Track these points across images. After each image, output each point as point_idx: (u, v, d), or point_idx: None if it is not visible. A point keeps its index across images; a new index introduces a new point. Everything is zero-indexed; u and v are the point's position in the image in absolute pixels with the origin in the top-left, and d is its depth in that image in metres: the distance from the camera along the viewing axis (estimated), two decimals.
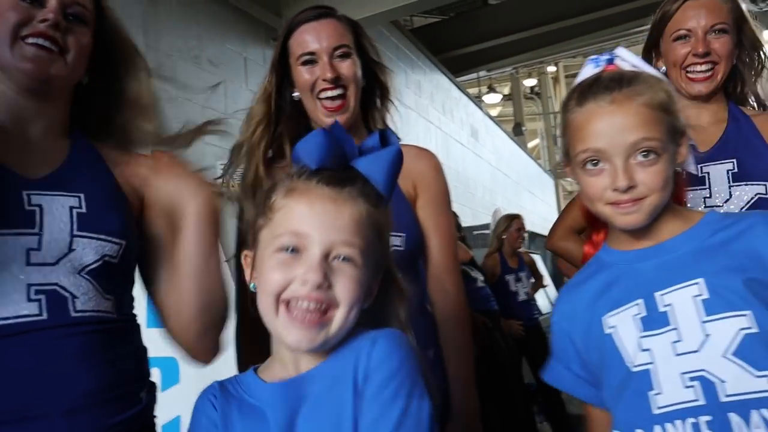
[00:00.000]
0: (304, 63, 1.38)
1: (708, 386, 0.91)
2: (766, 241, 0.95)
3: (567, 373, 1.10)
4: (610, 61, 1.05)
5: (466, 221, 6.82)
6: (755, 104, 1.54)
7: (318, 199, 0.83)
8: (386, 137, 0.92)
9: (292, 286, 0.82)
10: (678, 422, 0.92)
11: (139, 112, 1.12)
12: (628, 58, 1.05)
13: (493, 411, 3.31)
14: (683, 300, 0.96)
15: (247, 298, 0.90)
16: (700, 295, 0.95)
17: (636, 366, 0.98)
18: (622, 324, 1.00)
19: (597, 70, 1.04)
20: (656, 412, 0.94)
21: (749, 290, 0.92)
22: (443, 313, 1.39)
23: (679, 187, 1.07)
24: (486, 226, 6.92)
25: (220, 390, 0.89)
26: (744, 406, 0.89)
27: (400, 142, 1.51)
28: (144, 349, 1.10)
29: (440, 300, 1.40)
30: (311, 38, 1.37)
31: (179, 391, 1.84)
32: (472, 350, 1.40)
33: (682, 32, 1.46)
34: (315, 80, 1.37)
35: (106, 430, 0.95)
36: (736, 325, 0.92)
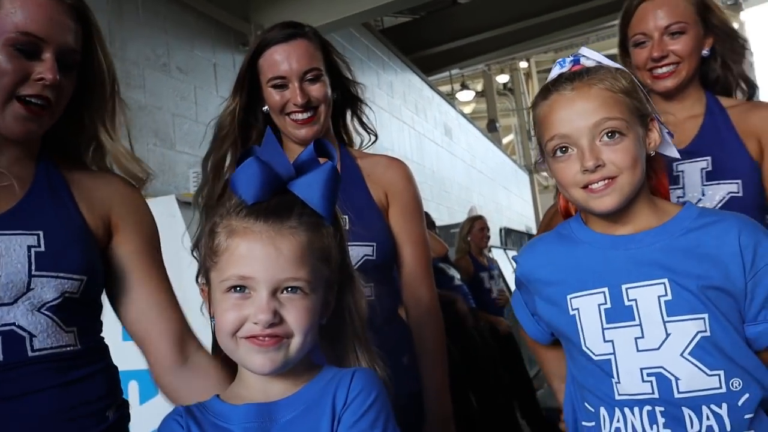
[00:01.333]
0: (275, 86, 1.39)
1: (664, 382, 0.98)
2: (733, 252, 0.97)
3: (525, 309, 1.18)
4: (576, 62, 1.07)
5: (442, 220, 6.86)
6: (746, 88, 1.53)
7: (257, 240, 0.86)
8: (322, 147, 0.94)
9: (245, 325, 0.85)
10: (636, 409, 0.99)
11: (106, 137, 1.11)
12: (592, 56, 1.07)
13: (473, 407, 3.34)
14: (648, 297, 0.99)
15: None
16: (664, 295, 0.98)
17: (598, 355, 1.03)
18: (586, 310, 1.04)
19: (563, 71, 1.07)
20: (617, 397, 1.01)
21: (707, 296, 0.97)
22: (417, 320, 1.42)
23: (658, 176, 1.10)
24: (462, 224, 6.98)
25: (186, 413, 0.91)
26: (695, 402, 0.96)
27: (369, 145, 1.54)
28: (113, 368, 1.11)
29: (414, 307, 1.42)
30: (281, 60, 1.38)
31: (157, 405, 1.83)
32: (446, 356, 1.42)
33: (639, 38, 1.47)
34: (285, 102, 1.39)
35: None
36: (694, 327, 0.97)
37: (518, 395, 4.21)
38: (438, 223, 5.63)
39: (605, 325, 1.02)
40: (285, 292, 0.86)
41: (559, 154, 1.03)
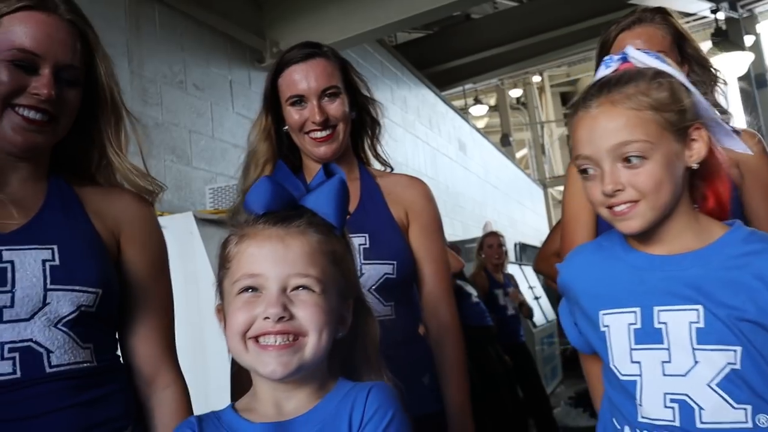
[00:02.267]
0: (293, 104, 1.40)
1: (687, 410, 0.95)
2: None
3: (569, 317, 1.16)
4: (624, 59, 1.03)
5: (456, 235, 6.84)
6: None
7: (266, 238, 0.86)
8: (331, 171, 0.95)
9: (256, 323, 0.85)
10: None
11: (113, 152, 1.12)
12: (638, 56, 1.03)
13: (488, 425, 3.31)
14: (679, 322, 0.97)
15: None
16: (696, 321, 0.95)
17: (624, 375, 1.01)
18: (616, 328, 1.02)
19: (609, 71, 1.03)
20: (639, 419, 0.99)
21: (741, 329, 0.94)
22: (438, 339, 1.41)
23: (713, 185, 1.04)
24: (476, 240, 6.95)
25: (197, 425, 0.90)
26: None
27: (390, 171, 1.54)
28: (130, 389, 1.10)
29: (435, 328, 1.41)
30: (300, 79, 1.39)
31: None
32: (467, 376, 1.41)
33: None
34: (304, 121, 1.39)
35: None
36: (724, 359, 0.94)
37: (534, 413, 4.17)
38: (452, 238, 5.61)
39: (633, 346, 1.00)
40: (296, 290, 0.85)
41: (586, 173, 1.01)
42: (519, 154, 15.48)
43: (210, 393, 1.87)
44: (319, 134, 1.39)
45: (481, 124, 13.31)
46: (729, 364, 0.93)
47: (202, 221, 2.11)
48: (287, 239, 0.86)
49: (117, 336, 1.12)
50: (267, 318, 0.84)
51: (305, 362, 0.85)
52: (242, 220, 0.92)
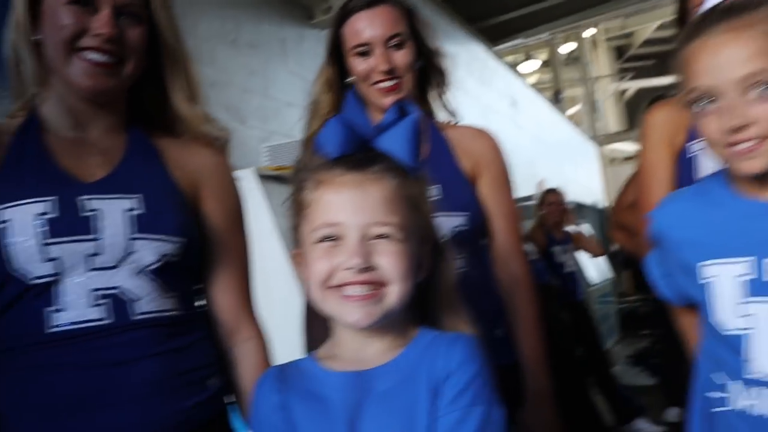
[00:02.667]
0: (358, 54, 1.36)
1: None
2: None
3: (658, 268, 1.10)
4: None
5: None
6: None
7: (344, 185, 0.84)
8: (404, 110, 0.91)
9: (337, 273, 0.83)
10: (765, 390, 0.90)
11: (186, 99, 1.12)
12: None
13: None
14: None
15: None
16: None
17: (729, 330, 0.94)
18: (721, 279, 0.95)
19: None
20: (748, 375, 0.92)
21: None
22: (510, 292, 1.39)
23: None
24: (528, 198, 6.84)
25: (279, 375, 0.90)
26: None
27: (459, 123, 1.50)
28: (212, 339, 1.11)
29: (506, 280, 1.39)
30: (364, 27, 1.35)
31: None
32: (541, 329, 1.38)
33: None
34: (370, 71, 1.35)
35: (174, 416, 0.97)
36: None
37: (593, 371, 4.11)
38: None
39: (745, 299, 0.92)
40: (376, 238, 0.83)
41: (701, 106, 0.92)
42: (570, 112, 15.10)
43: (275, 349, 1.89)
44: (385, 84, 1.35)
45: (531, 80, 12.99)
46: None
47: (263, 177, 2.11)
48: (365, 185, 0.84)
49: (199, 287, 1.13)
50: (349, 268, 0.82)
51: (389, 311, 0.84)
52: (315, 164, 0.89)
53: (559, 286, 4.05)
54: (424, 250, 0.89)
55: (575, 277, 4.42)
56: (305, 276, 0.90)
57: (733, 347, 0.94)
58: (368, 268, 0.82)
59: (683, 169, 1.34)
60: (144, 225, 0.98)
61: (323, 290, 0.85)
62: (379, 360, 0.86)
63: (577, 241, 4.62)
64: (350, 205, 0.84)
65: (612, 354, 6.15)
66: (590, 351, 4.13)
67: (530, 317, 1.38)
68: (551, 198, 4.52)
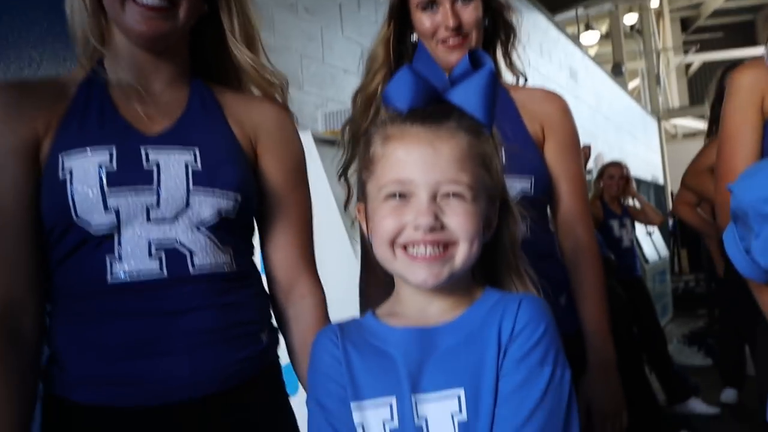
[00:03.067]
0: (424, 8, 1.33)
1: None
2: None
3: (738, 245, 1.06)
4: None
5: None
6: None
7: (415, 142, 0.82)
8: (477, 58, 0.88)
9: (405, 231, 0.81)
10: None
11: (243, 43, 1.11)
12: None
13: None
14: None
15: (368, 248, 0.90)
16: None
17: None
18: None
19: None
20: None
21: None
22: (575, 260, 1.35)
23: None
24: (588, 172, 6.69)
25: (339, 331, 0.89)
26: None
27: (527, 84, 1.45)
28: (265, 295, 1.12)
29: (571, 247, 1.35)
30: None
31: None
32: (606, 297, 1.35)
33: None
34: (436, 27, 1.32)
35: (227, 366, 0.98)
36: None
37: (648, 348, 4.03)
38: None
39: None
40: (446, 197, 0.81)
41: None
42: (631, 85, 14.64)
43: (330, 316, 1.90)
44: (452, 41, 1.31)
45: (591, 52, 12.63)
46: None
47: (319, 141, 2.10)
48: (437, 143, 0.81)
49: (255, 244, 1.13)
50: (417, 228, 0.80)
51: (456, 271, 0.82)
52: (385, 118, 0.87)
53: (616, 261, 3.96)
54: (492, 209, 0.87)
55: (633, 252, 4.32)
56: (368, 231, 0.89)
57: None
58: (437, 228, 0.80)
59: None
60: (201, 179, 0.98)
61: (390, 248, 0.83)
62: (443, 318, 0.85)
63: (635, 213, 4.50)
64: (421, 162, 0.81)
65: (666, 332, 6.03)
66: (646, 328, 4.05)
67: (595, 285, 1.34)
68: (612, 171, 4.39)
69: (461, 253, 0.82)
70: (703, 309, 6.47)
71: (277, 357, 1.12)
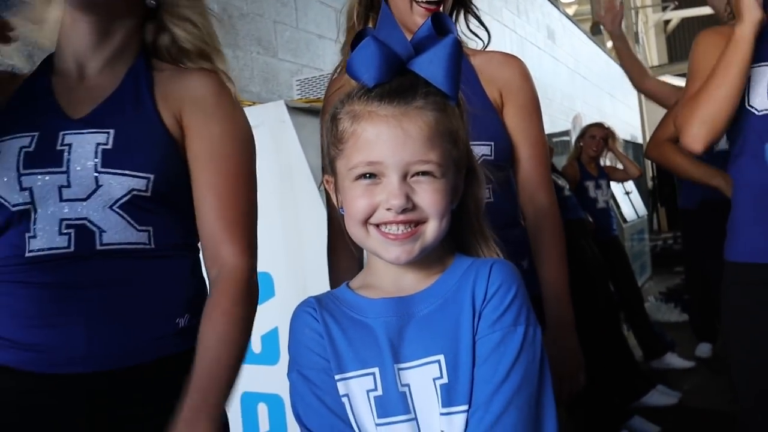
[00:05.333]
0: None
1: None
2: None
3: None
4: None
5: (544, 128, 6.61)
6: None
7: (383, 122, 0.82)
8: (440, 22, 0.87)
9: (378, 212, 0.83)
10: None
11: (173, 22, 1.12)
12: None
13: (580, 318, 3.29)
14: None
15: (334, 216, 0.89)
16: None
17: None
18: None
19: None
20: None
21: None
22: (535, 224, 1.36)
23: None
24: (565, 133, 6.71)
25: (317, 304, 0.91)
26: None
27: (487, 48, 1.45)
28: (194, 278, 1.10)
29: (532, 211, 1.36)
30: None
31: (275, 304, 1.90)
32: (566, 261, 1.37)
33: None
34: None
35: (125, 344, 1.00)
36: None
37: (625, 307, 4.11)
38: None
39: None
40: (416, 176, 0.82)
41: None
42: (610, 44, 14.62)
43: (308, 284, 1.92)
44: (431, 4, 1.30)
45: (570, 11, 12.56)
46: None
47: (293, 110, 2.09)
48: (405, 123, 0.82)
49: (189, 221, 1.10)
50: (389, 209, 0.82)
51: (428, 246, 0.85)
52: (352, 92, 0.87)
53: (591, 221, 4.01)
54: (459, 178, 0.89)
55: (609, 213, 4.37)
56: (338, 203, 0.90)
57: None
58: (409, 208, 0.82)
59: None
60: (109, 160, 1.01)
61: (363, 227, 0.85)
62: (418, 287, 0.87)
63: (612, 172, 4.52)
64: (391, 142, 0.82)
65: (645, 290, 6.14)
66: (622, 287, 4.12)
67: (555, 249, 1.36)
68: (594, 131, 4.39)
69: (432, 229, 0.84)
70: (680, 266, 6.59)
71: (192, 344, 1.04)
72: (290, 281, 1.91)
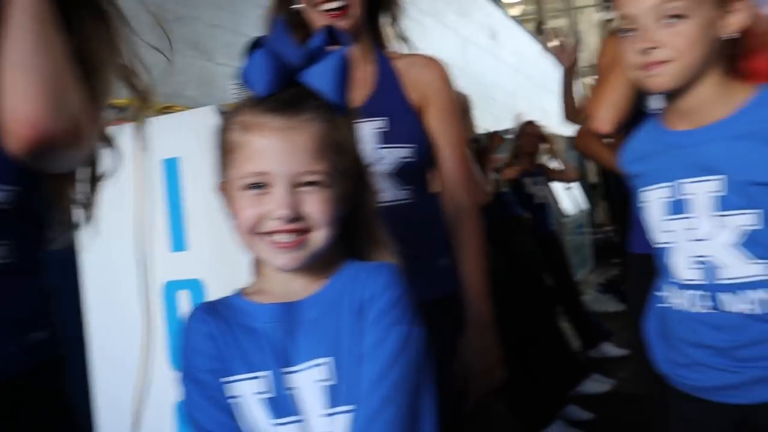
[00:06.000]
0: None
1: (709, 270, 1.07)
2: None
3: None
4: None
5: (487, 127, 6.72)
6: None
7: (272, 133, 0.85)
8: (334, 36, 0.91)
9: (265, 221, 0.86)
10: (687, 292, 1.11)
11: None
12: None
13: (513, 313, 3.39)
14: (701, 193, 1.06)
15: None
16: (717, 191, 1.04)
17: (657, 243, 1.15)
18: (650, 204, 1.15)
19: None
20: (672, 279, 1.14)
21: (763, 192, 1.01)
22: (455, 223, 1.41)
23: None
24: (509, 131, 6.83)
25: (209, 310, 0.93)
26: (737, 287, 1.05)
27: (408, 51, 1.49)
28: (48, 294, 1.04)
29: (452, 210, 1.41)
30: None
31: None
32: (485, 261, 1.42)
33: None
34: None
35: None
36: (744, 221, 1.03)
37: (563, 300, 4.24)
38: (482, 130, 5.53)
39: (663, 217, 1.12)
40: (303, 185, 0.85)
41: (624, 33, 1.07)
42: (553, 43, 14.88)
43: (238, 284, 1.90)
44: (330, 5, 1.32)
45: (515, 12, 12.76)
46: (748, 225, 1.03)
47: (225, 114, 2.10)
48: (293, 134, 0.85)
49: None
50: (277, 218, 0.84)
51: (315, 252, 0.88)
52: (242, 103, 0.90)
53: (529, 217, 4.12)
54: (348, 185, 0.91)
55: (546, 208, 4.50)
56: (231, 211, 0.91)
57: (662, 257, 1.14)
58: (296, 218, 0.84)
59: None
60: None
61: (251, 236, 0.87)
62: (306, 292, 0.90)
63: (551, 172, 4.67)
64: (278, 153, 0.84)
65: (585, 282, 6.32)
66: (560, 281, 4.25)
67: (474, 247, 1.41)
68: (528, 129, 4.54)
69: (319, 237, 0.87)
70: (618, 258, 6.79)
71: (58, 358, 1.02)
72: (222, 286, 1.88)
